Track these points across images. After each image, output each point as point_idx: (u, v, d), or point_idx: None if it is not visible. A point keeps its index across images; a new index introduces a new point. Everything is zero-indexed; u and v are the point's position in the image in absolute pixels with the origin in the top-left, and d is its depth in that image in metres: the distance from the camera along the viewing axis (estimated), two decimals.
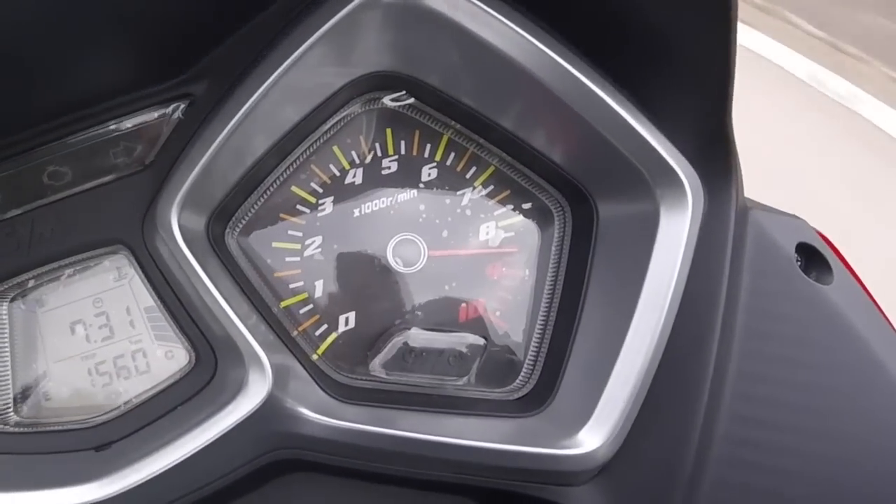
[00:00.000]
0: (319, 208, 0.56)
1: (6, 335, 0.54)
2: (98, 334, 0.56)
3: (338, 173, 0.56)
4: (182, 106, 0.51)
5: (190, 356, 0.54)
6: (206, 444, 0.49)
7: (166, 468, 0.49)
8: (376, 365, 0.55)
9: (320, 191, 0.56)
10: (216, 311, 0.48)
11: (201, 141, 0.48)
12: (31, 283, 0.54)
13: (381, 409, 0.51)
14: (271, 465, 0.52)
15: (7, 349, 0.54)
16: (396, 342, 0.55)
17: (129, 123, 0.51)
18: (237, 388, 0.49)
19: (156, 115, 0.51)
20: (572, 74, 0.49)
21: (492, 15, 0.47)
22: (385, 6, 0.48)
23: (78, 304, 0.56)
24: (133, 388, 0.56)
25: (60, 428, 0.54)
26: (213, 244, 0.52)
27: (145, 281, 0.53)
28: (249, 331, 0.48)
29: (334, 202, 0.56)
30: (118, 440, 0.53)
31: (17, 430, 0.54)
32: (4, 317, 0.54)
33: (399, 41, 0.51)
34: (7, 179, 0.52)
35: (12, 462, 0.53)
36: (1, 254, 0.51)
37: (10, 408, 0.55)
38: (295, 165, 0.55)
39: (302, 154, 0.55)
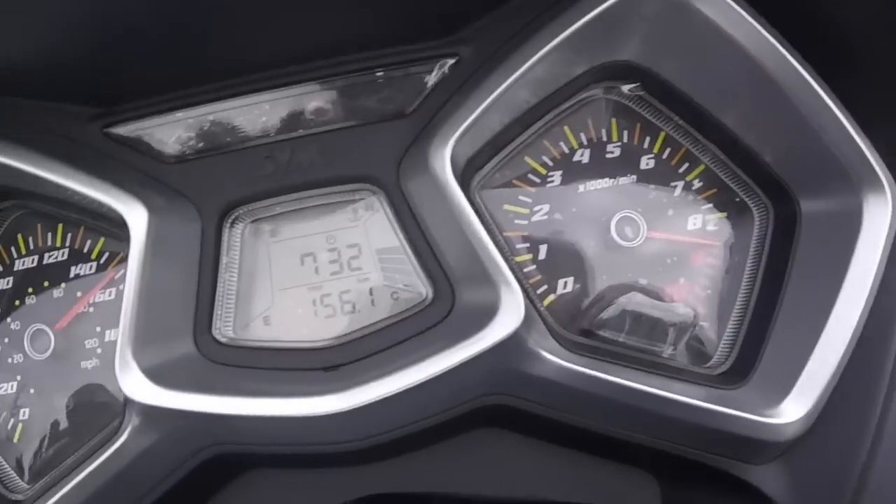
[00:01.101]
0: (548, 180, 0.61)
1: (236, 256, 0.57)
2: (328, 268, 0.59)
3: (567, 151, 0.61)
4: (450, 62, 0.56)
5: (426, 292, 0.56)
6: (442, 371, 0.51)
7: (396, 391, 0.50)
8: (595, 323, 0.58)
9: (551, 164, 0.61)
10: (478, 245, 0.52)
11: (472, 98, 0.52)
12: (277, 210, 0.57)
13: (599, 361, 0.54)
14: (481, 411, 0.55)
15: (236, 270, 0.57)
16: (620, 304, 0.58)
17: (398, 73, 0.55)
18: (483, 322, 0.52)
19: (425, 68, 0.56)
20: (798, 71, 0.53)
21: (735, 9, 0.53)
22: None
23: (311, 238, 0.59)
24: (358, 321, 0.58)
25: (289, 347, 0.57)
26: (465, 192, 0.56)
27: (392, 220, 0.57)
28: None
29: (562, 176, 0.61)
30: (347, 363, 0.55)
31: (246, 344, 0.57)
32: (238, 238, 0.57)
33: (649, 33, 0.57)
34: (284, 105, 0.56)
35: (247, 374, 0.55)
36: (256, 175, 0.55)
37: (230, 326, 0.57)
38: (532, 138, 0.60)
39: (540, 129, 0.60)
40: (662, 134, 0.61)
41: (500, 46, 0.54)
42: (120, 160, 0.54)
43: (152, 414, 0.51)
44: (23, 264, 0.61)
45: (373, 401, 0.50)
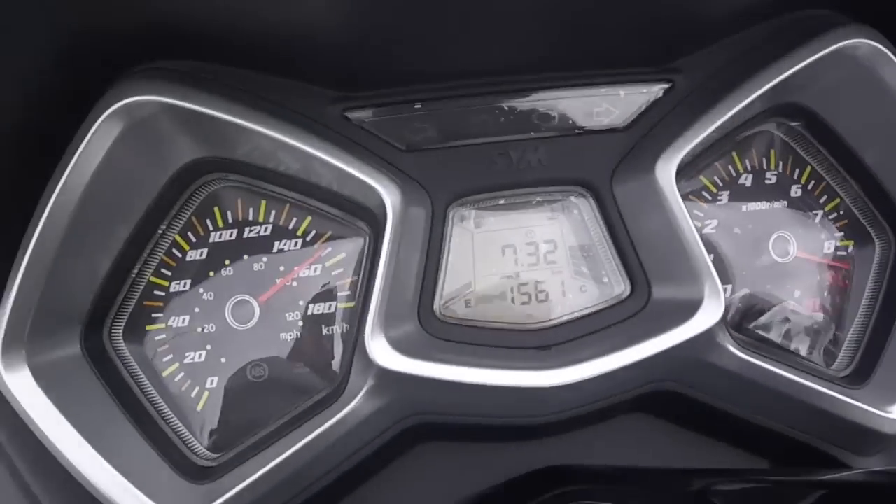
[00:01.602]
0: (718, 198, 0.68)
1: (447, 242, 0.62)
2: (526, 260, 0.65)
3: (734, 174, 0.70)
4: (664, 87, 0.63)
5: (623, 286, 0.63)
6: (644, 357, 0.58)
7: (604, 372, 0.57)
8: (755, 324, 0.67)
9: (720, 184, 0.69)
10: (689, 245, 0.59)
11: (695, 123, 0.60)
12: (501, 201, 0.63)
13: (763, 356, 0.62)
14: (649, 396, 0.61)
15: (445, 253, 0.62)
16: (774, 310, 0.67)
17: (621, 91, 0.63)
18: (684, 315, 0.58)
19: (642, 89, 0.63)
20: None
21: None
22: (853, 57, 0.63)
23: (512, 232, 0.65)
24: (551, 309, 0.64)
25: (502, 327, 0.62)
26: None
27: (597, 220, 0.63)
28: None
29: (729, 196, 0.69)
30: (559, 343, 0.61)
31: (461, 322, 0.62)
32: (450, 223, 0.63)
33: (828, 84, 0.66)
34: (513, 109, 0.62)
35: (466, 349, 0.60)
36: (487, 170, 0.61)
37: (435, 303, 0.62)
38: (710, 160, 0.68)
39: (718, 153, 0.69)
40: (809, 168, 0.70)
41: (711, 80, 0.61)
42: (359, 143, 0.59)
43: (386, 380, 0.55)
44: (220, 237, 0.64)
45: (584, 379, 0.56)
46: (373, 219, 0.61)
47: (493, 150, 0.60)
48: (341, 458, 0.57)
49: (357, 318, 0.61)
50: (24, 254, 0.55)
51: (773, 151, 0.69)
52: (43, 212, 0.54)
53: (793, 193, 0.69)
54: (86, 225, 0.56)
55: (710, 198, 0.66)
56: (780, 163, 0.69)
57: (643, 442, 0.63)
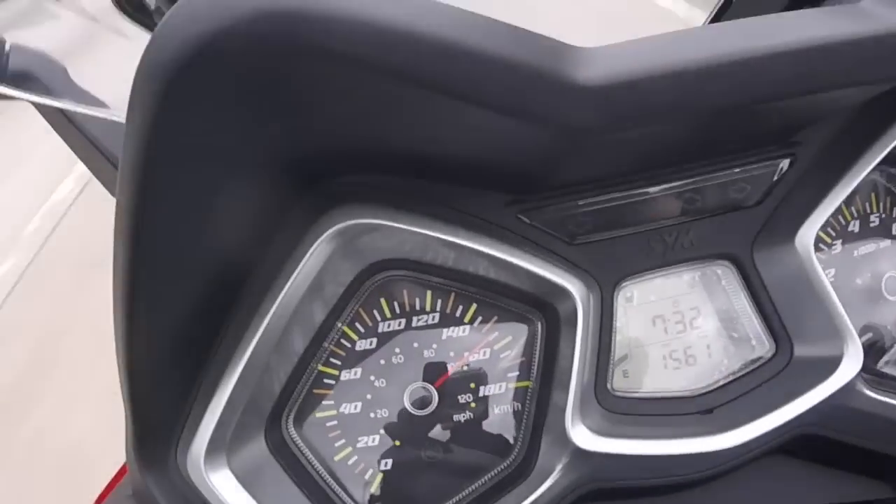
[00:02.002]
0: (832, 247, 0.75)
1: (615, 322, 0.68)
2: (674, 328, 0.71)
3: (843, 223, 0.76)
4: (787, 161, 0.69)
5: (768, 346, 0.70)
6: (797, 415, 0.66)
7: (764, 432, 0.65)
8: (885, 363, 0.75)
9: (833, 234, 0.76)
10: (831, 306, 0.65)
11: (826, 197, 0.66)
12: (659, 279, 0.68)
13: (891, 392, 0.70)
14: (796, 439, 0.70)
15: (614, 333, 0.68)
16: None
17: (754, 171, 0.68)
18: (827, 370, 0.66)
19: (768, 166, 0.68)
20: None
21: None
22: None
23: (660, 303, 0.71)
24: (702, 373, 0.71)
25: (662, 396, 0.68)
26: None
27: (742, 287, 0.69)
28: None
29: (841, 244, 0.76)
30: (719, 406, 0.68)
31: (626, 395, 0.68)
32: (617, 302, 0.68)
33: None
34: (661, 198, 0.67)
35: (638, 420, 0.66)
36: (650, 254, 0.66)
37: (608, 381, 0.68)
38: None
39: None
40: None
41: (833, 148, 0.66)
42: (532, 241, 0.63)
43: (579, 457, 0.62)
44: (388, 326, 0.68)
45: (747, 440, 0.63)
46: (542, 305, 0.65)
47: (649, 236, 0.65)
48: None
49: (534, 398, 0.66)
50: (239, 359, 0.58)
51: (873, 195, 0.75)
52: (259, 327, 0.58)
53: (894, 232, 0.76)
54: (293, 327, 0.60)
55: (825, 248, 0.73)
56: (881, 205, 0.75)
57: (782, 481, 0.72)
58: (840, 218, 0.74)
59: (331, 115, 0.46)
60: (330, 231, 0.57)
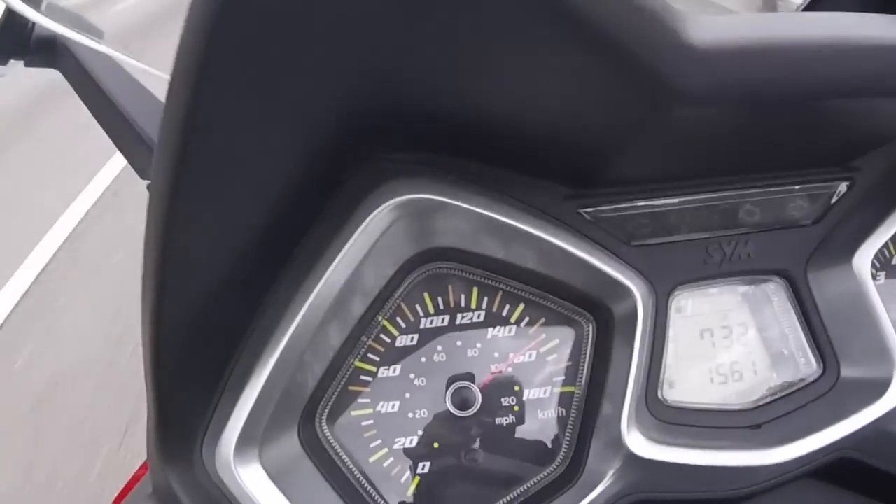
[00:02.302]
0: (877, 280, 0.76)
1: (669, 330, 0.67)
2: (721, 343, 0.69)
3: (888, 255, 0.76)
4: (846, 184, 0.69)
5: (814, 366, 0.69)
6: (844, 436, 0.64)
7: (811, 451, 0.63)
8: None
9: (878, 265, 0.76)
10: (883, 328, 0.65)
11: (889, 219, 0.67)
12: (712, 290, 0.68)
13: None
14: (836, 463, 0.68)
15: (667, 341, 0.67)
16: None
17: (811, 189, 0.68)
18: (875, 393, 0.65)
19: (828, 187, 0.69)
20: None
21: None
22: None
23: (709, 316, 0.70)
24: (746, 388, 0.69)
25: (712, 409, 0.67)
26: None
27: (794, 305, 0.69)
28: None
29: (885, 276, 0.76)
30: (767, 422, 0.66)
31: (676, 405, 0.66)
32: (671, 310, 0.67)
33: None
34: (721, 206, 0.67)
35: (688, 432, 0.64)
36: (707, 262, 0.66)
37: (659, 390, 0.67)
38: None
39: None
40: None
41: (890, 179, 0.67)
42: (589, 237, 0.62)
43: (630, 464, 0.59)
44: (430, 323, 0.65)
45: (794, 458, 0.61)
46: (593, 307, 0.64)
47: (707, 244, 0.64)
48: None
49: (581, 404, 0.64)
50: (273, 350, 0.55)
51: None
52: (302, 305, 0.55)
53: None
54: (332, 317, 0.57)
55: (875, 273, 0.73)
56: None
57: None
58: (886, 251, 0.74)
59: (416, 63, 0.45)
60: (390, 202, 0.55)
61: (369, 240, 0.57)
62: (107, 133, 0.77)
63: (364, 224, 0.56)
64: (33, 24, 0.81)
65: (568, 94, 0.48)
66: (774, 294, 0.69)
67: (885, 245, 0.73)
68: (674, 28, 0.42)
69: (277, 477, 0.58)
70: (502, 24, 0.40)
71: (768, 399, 0.67)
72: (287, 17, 0.36)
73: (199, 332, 0.53)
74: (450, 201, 0.57)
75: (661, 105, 0.47)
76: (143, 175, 0.78)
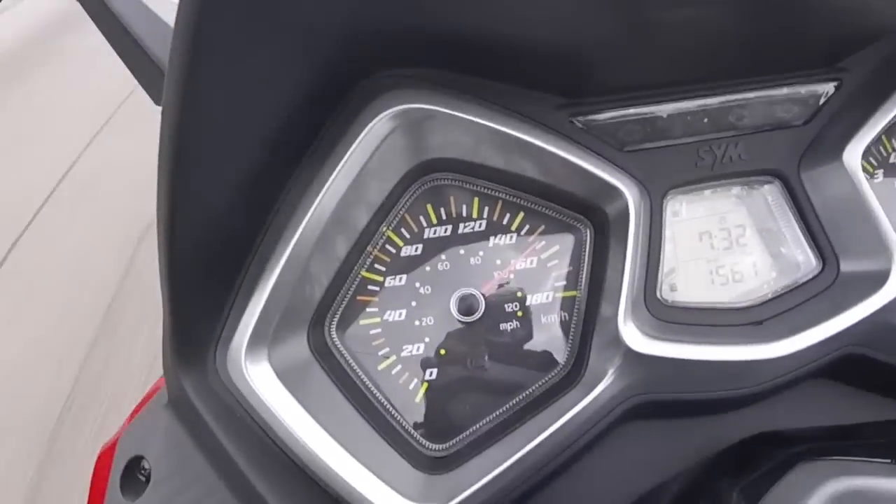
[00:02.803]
0: (875, 177, 0.76)
1: (664, 231, 0.68)
2: (720, 244, 0.70)
3: (885, 154, 0.77)
4: (833, 85, 0.70)
5: (814, 263, 0.69)
6: (845, 328, 0.65)
7: (812, 343, 0.63)
8: None
9: (875, 164, 0.76)
10: (879, 221, 0.65)
11: (877, 114, 0.66)
12: (707, 193, 0.69)
13: None
14: (838, 362, 0.69)
15: (663, 242, 0.68)
16: None
17: (799, 90, 0.69)
18: (875, 286, 0.65)
19: (817, 87, 0.69)
20: None
21: None
22: None
23: (707, 219, 0.70)
24: (749, 288, 0.70)
25: (714, 307, 0.68)
26: None
27: (789, 204, 0.69)
28: None
29: (884, 174, 0.76)
30: (768, 319, 0.67)
31: (677, 305, 0.67)
32: (666, 213, 0.68)
33: None
34: (710, 111, 0.67)
35: (690, 330, 0.66)
36: (699, 164, 0.67)
37: (657, 289, 0.68)
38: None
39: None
40: None
41: (877, 75, 0.68)
42: (583, 144, 0.63)
43: (631, 362, 0.61)
44: (434, 233, 0.67)
45: (797, 350, 0.62)
46: (590, 211, 0.65)
47: (698, 147, 0.65)
48: (579, 438, 0.62)
49: (582, 306, 0.65)
50: (280, 254, 0.57)
51: None
52: (306, 211, 0.57)
53: None
54: (336, 226, 0.59)
55: (868, 177, 0.73)
56: None
57: (827, 403, 0.71)
58: (882, 149, 0.74)
59: None
60: (387, 112, 0.57)
61: (368, 149, 0.59)
62: (121, 58, 0.79)
63: (363, 133, 0.58)
64: None
65: (549, 6, 0.50)
66: (769, 194, 0.69)
67: (881, 142, 0.73)
68: None
69: (287, 380, 0.60)
70: None
71: (769, 297, 0.68)
72: None
73: (211, 243, 0.55)
74: (445, 110, 0.58)
75: (634, 10, 0.48)
76: (156, 101, 0.81)
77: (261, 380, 0.58)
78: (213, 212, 0.52)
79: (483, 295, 0.65)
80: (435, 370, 0.65)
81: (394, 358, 0.66)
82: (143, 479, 0.58)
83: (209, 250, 0.55)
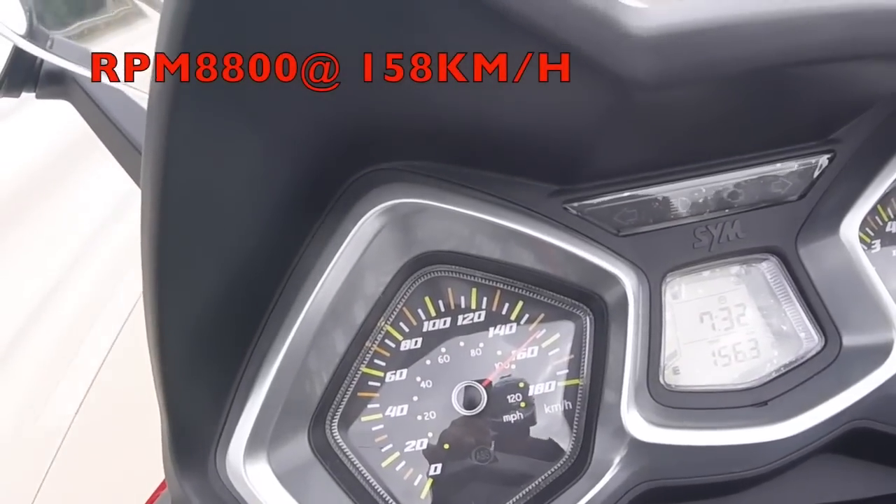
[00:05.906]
0: (872, 247, 0.76)
1: (664, 315, 0.68)
2: (721, 325, 0.70)
3: (881, 223, 0.77)
4: (827, 157, 0.70)
5: (816, 339, 0.69)
6: (849, 405, 0.64)
7: (818, 423, 0.63)
8: None
9: (872, 234, 0.76)
10: (881, 296, 0.65)
11: (871, 186, 0.67)
12: (705, 274, 0.68)
13: None
14: (849, 434, 0.68)
15: (664, 326, 0.68)
16: None
17: (793, 165, 0.69)
18: (877, 360, 0.65)
19: (810, 161, 0.70)
20: None
21: None
22: None
23: (706, 300, 0.70)
24: (750, 367, 0.70)
25: (715, 390, 0.67)
26: None
27: (788, 280, 0.69)
28: None
29: (881, 244, 0.76)
30: (772, 399, 0.67)
31: (680, 389, 0.67)
32: (665, 296, 0.68)
33: None
34: (705, 191, 0.68)
35: (693, 415, 0.65)
36: (696, 246, 0.67)
37: (660, 375, 0.67)
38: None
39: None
40: None
41: (871, 144, 0.68)
42: (578, 231, 0.63)
43: (637, 451, 0.60)
44: (433, 325, 0.67)
45: (803, 430, 0.62)
46: (589, 298, 0.65)
47: (695, 227, 0.65)
48: None
49: (586, 395, 0.65)
50: (277, 351, 0.57)
51: None
52: (302, 307, 0.57)
53: None
54: (334, 321, 0.59)
55: (865, 248, 0.73)
56: None
57: (835, 479, 0.70)
58: (878, 219, 0.75)
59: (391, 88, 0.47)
60: (376, 209, 0.57)
61: (361, 244, 0.59)
62: (115, 158, 0.81)
63: (354, 230, 0.58)
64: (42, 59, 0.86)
65: (534, 97, 0.50)
66: (768, 272, 0.69)
67: (876, 213, 0.73)
68: (615, 21, 0.43)
69: (288, 482, 0.59)
70: (451, 30, 0.42)
71: (773, 376, 0.67)
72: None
73: (205, 342, 0.55)
74: (435, 203, 0.58)
75: (620, 96, 0.48)
76: (133, 177, 0.82)
77: (261, 483, 0.57)
78: (204, 312, 0.52)
79: (485, 387, 0.64)
80: (440, 465, 0.65)
81: (397, 454, 0.65)
82: None
83: (202, 354, 0.55)
